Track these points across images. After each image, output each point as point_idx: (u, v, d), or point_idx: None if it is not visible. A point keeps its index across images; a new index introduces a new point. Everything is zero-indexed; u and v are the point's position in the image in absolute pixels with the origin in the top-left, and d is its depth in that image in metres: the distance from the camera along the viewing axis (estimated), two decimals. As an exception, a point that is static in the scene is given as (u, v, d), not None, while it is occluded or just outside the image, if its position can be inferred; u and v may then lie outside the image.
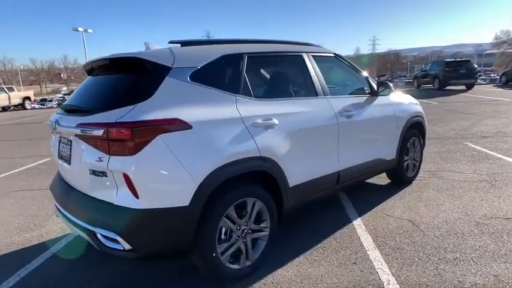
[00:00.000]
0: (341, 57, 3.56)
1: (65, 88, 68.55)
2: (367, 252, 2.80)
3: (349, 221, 3.40)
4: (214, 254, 2.26)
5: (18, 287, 2.58)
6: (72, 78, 78.76)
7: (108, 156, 2.03)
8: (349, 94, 3.53)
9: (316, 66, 3.15)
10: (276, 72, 3.17)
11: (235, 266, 2.44)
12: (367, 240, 2.99)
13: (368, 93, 3.67)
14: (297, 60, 3.07)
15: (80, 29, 24.83)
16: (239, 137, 2.34)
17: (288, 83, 3.07)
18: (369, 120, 3.50)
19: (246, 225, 2.47)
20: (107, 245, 2.09)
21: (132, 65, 2.28)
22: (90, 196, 2.25)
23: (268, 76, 3.12)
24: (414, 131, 4.28)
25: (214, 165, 2.18)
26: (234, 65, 2.56)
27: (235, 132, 2.33)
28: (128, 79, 2.29)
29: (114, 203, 2.07)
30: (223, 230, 2.36)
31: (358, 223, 3.34)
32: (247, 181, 2.46)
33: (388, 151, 3.85)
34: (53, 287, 2.55)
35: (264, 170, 2.49)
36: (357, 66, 3.70)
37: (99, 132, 2.02)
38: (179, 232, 2.12)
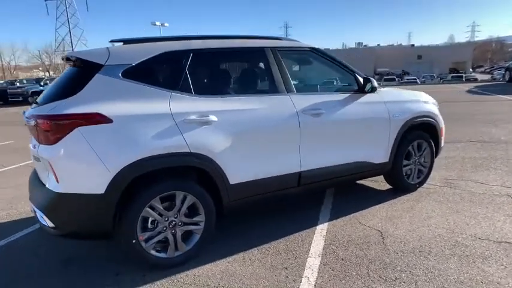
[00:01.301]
0: (320, 51, 3.34)
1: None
2: (308, 259, 2.66)
3: (315, 224, 3.24)
4: (134, 241, 2.41)
5: (7, 246, 3.12)
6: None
7: (39, 144, 2.31)
8: (325, 91, 3.32)
9: (282, 62, 3.03)
10: (227, 69, 3.14)
11: (162, 255, 2.56)
12: (317, 246, 2.84)
13: (353, 91, 3.39)
14: (255, 56, 3.00)
15: (158, 23, 27.13)
16: (165, 132, 2.43)
17: (240, 79, 3.03)
18: (347, 120, 3.25)
19: (175, 217, 2.56)
20: (40, 221, 2.41)
21: (75, 63, 2.52)
22: (38, 178, 2.59)
23: (218, 73, 3.09)
24: (420, 133, 3.82)
25: (133, 158, 2.31)
26: (174, 62, 2.63)
27: (162, 127, 2.42)
28: (70, 75, 2.54)
29: (46, 186, 2.36)
30: (149, 219, 2.49)
31: (322, 227, 3.17)
32: (175, 175, 2.54)
33: (376, 153, 3.52)
34: (31, 249, 3.00)
35: (194, 166, 2.54)
36: (342, 61, 3.43)
37: (32, 123, 2.32)
38: (95, 217, 2.31)
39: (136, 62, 2.50)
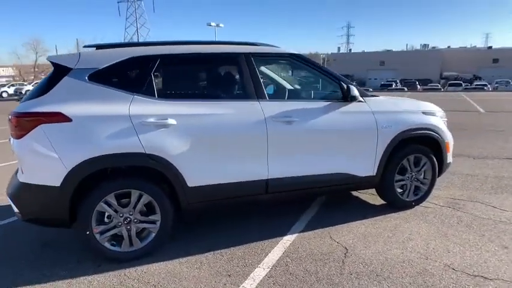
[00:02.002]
0: (300, 57, 3.22)
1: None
2: (257, 269, 2.62)
3: (284, 234, 3.16)
4: (88, 232, 2.59)
5: (4, 227, 3.53)
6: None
7: (11, 138, 2.59)
8: (303, 99, 3.22)
9: (254, 68, 3.00)
10: (195, 74, 3.16)
11: (116, 248, 2.70)
12: (272, 257, 2.77)
13: (338, 99, 3.23)
14: (226, 62, 3.01)
15: (213, 23, 28.10)
16: (121, 133, 2.56)
17: (208, 85, 3.05)
18: (324, 129, 3.11)
19: (130, 214, 2.69)
20: (12, 206, 2.69)
21: (53, 66, 2.77)
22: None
23: (184, 78, 3.12)
24: (417, 147, 3.51)
25: (87, 155, 2.48)
26: (140, 67, 2.76)
27: (118, 128, 2.56)
28: (48, 77, 2.79)
29: (16, 175, 2.64)
30: (105, 213, 2.64)
31: (289, 238, 3.08)
32: (132, 174, 2.67)
33: (360, 166, 3.31)
34: (23, 231, 3.37)
35: (149, 166, 2.65)
36: (326, 69, 3.28)
37: (8, 119, 2.61)
38: (52, 207, 2.53)
39: (103, 66, 2.67)
